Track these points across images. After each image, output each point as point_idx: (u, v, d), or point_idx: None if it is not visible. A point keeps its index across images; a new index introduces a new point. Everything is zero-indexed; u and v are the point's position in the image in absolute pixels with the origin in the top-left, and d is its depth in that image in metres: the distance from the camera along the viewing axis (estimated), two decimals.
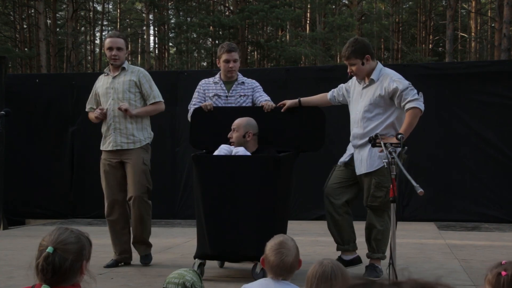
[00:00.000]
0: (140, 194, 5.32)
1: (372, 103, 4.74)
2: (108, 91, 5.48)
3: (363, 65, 4.78)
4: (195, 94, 5.35)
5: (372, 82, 4.79)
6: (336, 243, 4.95)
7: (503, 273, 2.21)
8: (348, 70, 4.87)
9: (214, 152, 4.80)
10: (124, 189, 5.42)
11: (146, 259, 5.45)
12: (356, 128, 4.85)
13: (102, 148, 5.53)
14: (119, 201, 5.43)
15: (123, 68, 5.50)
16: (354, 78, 4.96)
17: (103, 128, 5.52)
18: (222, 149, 4.79)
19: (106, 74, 5.58)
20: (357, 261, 4.92)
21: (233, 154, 4.75)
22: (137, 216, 5.35)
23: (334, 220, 4.89)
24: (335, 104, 5.19)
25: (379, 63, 4.88)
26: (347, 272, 2.43)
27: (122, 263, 5.44)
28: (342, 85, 5.11)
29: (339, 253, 4.97)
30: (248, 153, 4.81)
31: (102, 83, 5.57)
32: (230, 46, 5.32)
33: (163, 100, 5.59)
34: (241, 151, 4.77)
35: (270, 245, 2.85)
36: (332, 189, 4.92)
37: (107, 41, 5.53)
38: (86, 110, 5.72)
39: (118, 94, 5.44)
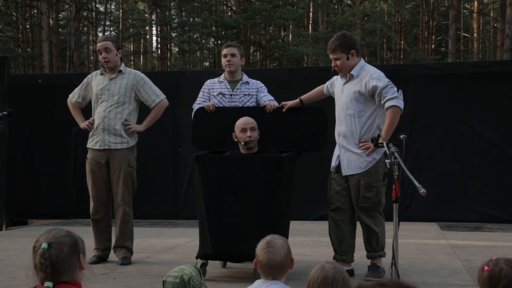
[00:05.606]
0: (126, 202, 5.53)
1: (352, 99, 4.72)
2: (103, 92, 5.55)
3: (348, 59, 4.75)
4: (200, 94, 5.35)
5: (351, 78, 4.76)
6: (334, 251, 4.87)
7: (485, 268, 2.30)
8: (333, 64, 4.85)
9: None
10: (109, 189, 5.58)
11: (124, 260, 5.46)
12: (339, 125, 4.83)
13: (88, 145, 5.63)
14: (105, 201, 5.59)
15: (120, 71, 5.59)
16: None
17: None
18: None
19: (101, 73, 5.63)
20: (350, 274, 4.77)
21: None
22: (121, 224, 5.53)
23: (337, 228, 4.83)
24: (331, 95, 5.15)
25: (362, 59, 4.86)
26: (347, 277, 2.42)
27: (105, 259, 5.57)
28: (334, 76, 5.10)
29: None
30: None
31: (97, 82, 5.62)
32: (230, 42, 5.46)
33: (164, 96, 5.71)
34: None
35: (259, 246, 2.83)
36: (335, 197, 4.85)
37: (97, 46, 5.66)
38: (72, 101, 5.77)
39: (113, 97, 5.52)
